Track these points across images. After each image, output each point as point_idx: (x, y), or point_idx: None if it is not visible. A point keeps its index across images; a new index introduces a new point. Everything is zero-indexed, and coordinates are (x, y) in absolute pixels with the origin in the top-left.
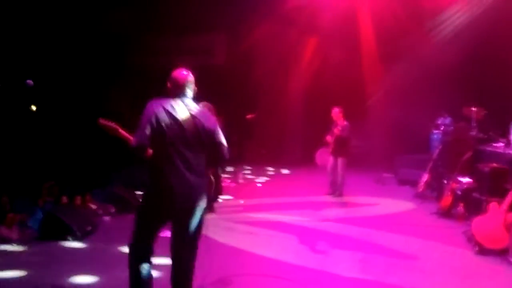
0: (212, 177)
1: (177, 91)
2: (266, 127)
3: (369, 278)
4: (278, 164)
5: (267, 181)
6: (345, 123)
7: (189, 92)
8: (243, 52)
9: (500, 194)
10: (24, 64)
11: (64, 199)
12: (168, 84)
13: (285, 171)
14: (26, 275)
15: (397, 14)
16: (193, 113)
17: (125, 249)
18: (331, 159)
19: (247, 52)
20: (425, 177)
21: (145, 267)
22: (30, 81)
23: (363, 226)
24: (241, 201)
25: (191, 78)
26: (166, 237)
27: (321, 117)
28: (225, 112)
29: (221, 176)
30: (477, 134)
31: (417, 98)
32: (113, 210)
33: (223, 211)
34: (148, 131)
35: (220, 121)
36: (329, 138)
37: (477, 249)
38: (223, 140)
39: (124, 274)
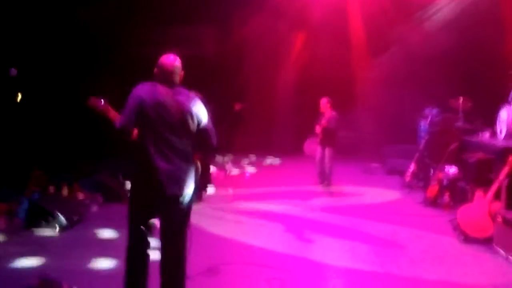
0: (199, 164)
1: (164, 76)
2: (256, 117)
3: (357, 266)
4: (267, 154)
5: (255, 170)
6: (333, 113)
7: (176, 77)
8: (233, 43)
9: (486, 184)
10: (8, 53)
11: (51, 189)
12: (155, 70)
13: (274, 161)
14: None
15: (385, 6)
16: (179, 98)
17: (113, 235)
18: (319, 150)
19: (237, 43)
20: (412, 167)
21: (142, 258)
22: (14, 70)
23: (351, 216)
24: (230, 191)
25: (178, 63)
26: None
27: (310, 107)
28: (214, 101)
29: (209, 166)
30: (463, 125)
31: (405, 89)
32: (100, 199)
33: (211, 200)
34: (132, 114)
35: (209, 110)
36: (317, 129)
37: (462, 237)
38: (211, 127)
39: (115, 260)
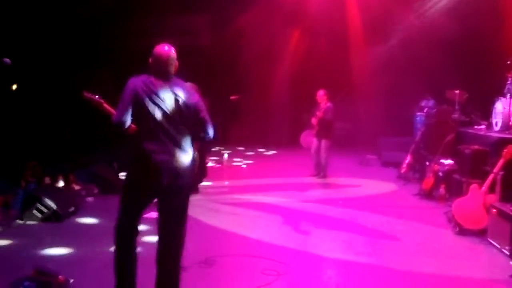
0: (196, 154)
1: (159, 67)
2: (252, 108)
3: (352, 258)
4: (263, 146)
5: (251, 162)
6: (329, 104)
7: (171, 67)
8: (229, 34)
9: (481, 176)
10: (3, 43)
11: (47, 180)
12: (150, 60)
13: (270, 153)
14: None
15: None
16: (174, 89)
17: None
18: (314, 141)
19: (234, 34)
20: (408, 159)
21: (130, 246)
22: (7, 60)
23: (346, 207)
24: (226, 183)
25: (173, 53)
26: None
27: (307, 99)
28: (210, 93)
29: (206, 157)
30: (459, 117)
31: (401, 81)
32: (96, 190)
33: (207, 192)
34: (128, 107)
35: (205, 102)
36: (313, 121)
37: (457, 229)
38: (207, 117)
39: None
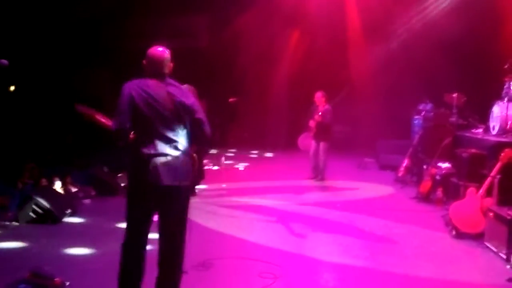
0: (195, 155)
1: (154, 68)
2: (250, 110)
3: (349, 262)
4: (261, 148)
5: (249, 165)
6: (327, 107)
7: (166, 69)
8: (227, 35)
9: (478, 180)
10: (1, 43)
11: (44, 182)
12: (144, 62)
13: (268, 155)
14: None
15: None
16: (170, 90)
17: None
18: (313, 144)
19: (232, 36)
20: (406, 162)
21: (137, 253)
22: (4, 61)
23: (344, 210)
24: (223, 185)
25: (167, 55)
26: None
27: (305, 101)
28: (208, 95)
29: (203, 159)
30: (457, 120)
31: (400, 83)
32: (93, 193)
33: (205, 195)
34: (127, 113)
35: (203, 104)
36: (311, 123)
37: (454, 233)
38: (204, 117)
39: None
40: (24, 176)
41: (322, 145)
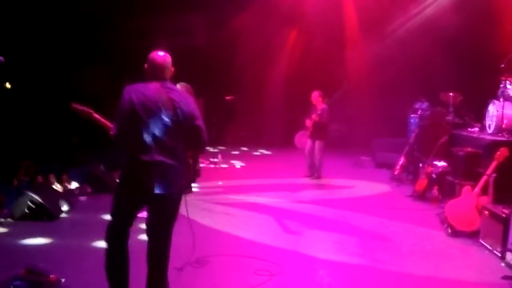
0: (190, 161)
1: (155, 73)
2: (247, 109)
3: (345, 259)
4: (257, 146)
5: (245, 163)
6: (324, 106)
7: (167, 73)
8: (225, 34)
9: (474, 178)
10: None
11: (40, 179)
12: (145, 66)
13: (264, 153)
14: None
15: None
16: (171, 95)
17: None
18: (308, 142)
19: (229, 34)
20: (401, 160)
21: (122, 248)
22: (1, 58)
23: (340, 208)
24: (220, 183)
25: (168, 59)
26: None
27: (301, 100)
28: (204, 93)
29: (199, 158)
30: (453, 119)
31: (396, 82)
32: (89, 190)
33: (201, 192)
34: (126, 119)
35: (199, 102)
36: (308, 122)
37: (449, 231)
38: (202, 124)
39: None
40: (20, 173)
41: (317, 143)
